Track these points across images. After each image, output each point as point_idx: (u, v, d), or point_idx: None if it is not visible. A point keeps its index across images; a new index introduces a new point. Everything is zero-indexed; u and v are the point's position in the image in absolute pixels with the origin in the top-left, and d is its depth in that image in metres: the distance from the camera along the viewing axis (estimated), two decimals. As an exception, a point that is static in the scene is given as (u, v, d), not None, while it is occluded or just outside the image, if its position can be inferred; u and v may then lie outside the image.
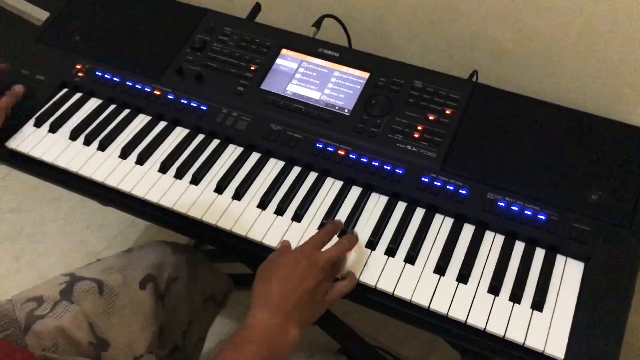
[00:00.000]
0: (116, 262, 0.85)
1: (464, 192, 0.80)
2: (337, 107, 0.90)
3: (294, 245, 0.77)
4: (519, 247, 0.77)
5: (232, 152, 0.89)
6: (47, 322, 0.73)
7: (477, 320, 0.70)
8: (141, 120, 0.94)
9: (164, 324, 0.86)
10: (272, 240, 0.78)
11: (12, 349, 0.63)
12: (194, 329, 0.94)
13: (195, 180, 0.85)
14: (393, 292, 0.73)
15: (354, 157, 0.85)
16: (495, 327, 0.70)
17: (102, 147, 0.90)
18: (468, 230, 0.79)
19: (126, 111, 0.95)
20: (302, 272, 0.69)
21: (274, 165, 0.87)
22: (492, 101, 0.87)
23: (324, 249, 0.73)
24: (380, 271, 0.75)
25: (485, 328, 0.70)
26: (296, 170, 0.86)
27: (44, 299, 0.75)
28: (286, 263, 0.70)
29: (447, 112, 0.87)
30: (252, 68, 0.95)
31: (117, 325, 0.79)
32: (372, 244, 0.78)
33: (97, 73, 0.98)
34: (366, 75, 0.92)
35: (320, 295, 0.70)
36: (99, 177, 0.86)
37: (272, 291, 0.68)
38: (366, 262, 0.76)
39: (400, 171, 0.83)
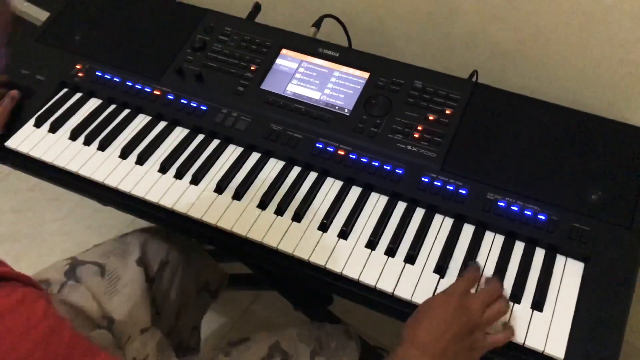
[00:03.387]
0: (113, 246, 0.89)
1: (464, 192, 0.80)
2: (337, 107, 0.90)
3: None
4: (519, 247, 0.77)
5: (232, 152, 0.89)
6: (58, 299, 0.76)
7: (477, 320, 0.70)
8: (141, 120, 0.94)
9: (158, 304, 0.89)
10: (271, 240, 0.78)
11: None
12: (186, 313, 0.97)
13: (195, 180, 0.85)
14: (393, 292, 0.73)
15: (354, 157, 0.85)
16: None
17: (102, 147, 0.90)
18: (468, 230, 0.79)
19: (126, 111, 0.95)
20: (452, 314, 0.65)
21: (274, 165, 0.87)
22: (492, 101, 0.87)
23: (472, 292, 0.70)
24: (380, 271, 0.75)
25: (485, 328, 0.70)
26: (296, 170, 0.86)
27: (51, 282, 0.79)
28: (437, 305, 0.67)
29: (447, 112, 0.87)
30: (252, 68, 0.95)
31: (120, 304, 0.82)
32: (372, 244, 0.78)
33: (97, 73, 0.98)
34: (366, 75, 0.92)
35: (470, 342, 0.66)
36: (99, 177, 0.86)
37: (421, 332, 0.65)
38: (366, 262, 0.76)
39: (400, 171, 0.83)
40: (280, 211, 0.81)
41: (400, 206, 0.82)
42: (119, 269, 0.85)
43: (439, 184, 0.81)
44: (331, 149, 0.86)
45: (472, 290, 0.71)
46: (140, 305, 0.84)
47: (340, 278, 0.76)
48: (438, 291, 0.73)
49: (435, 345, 0.64)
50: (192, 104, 0.93)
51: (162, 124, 0.93)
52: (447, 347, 0.64)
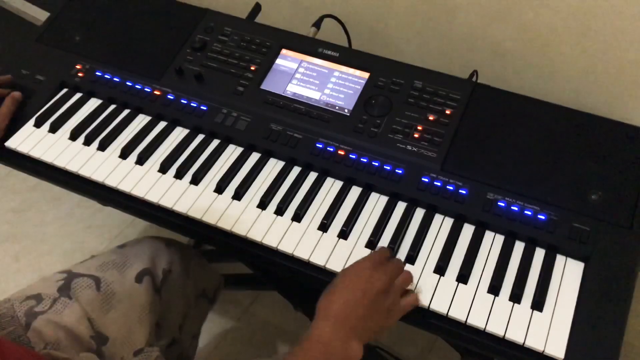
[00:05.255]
0: (111, 258, 0.86)
1: (464, 192, 0.80)
2: (337, 107, 0.90)
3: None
4: (519, 247, 0.77)
5: (232, 152, 0.89)
6: (48, 318, 0.74)
7: (477, 320, 0.70)
8: (141, 120, 0.94)
9: (161, 317, 0.87)
10: (271, 240, 0.78)
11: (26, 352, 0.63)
12: (188, 323, 0.95)
13: (195, 181, 0.85)
14: (393, 292, 0.73)
15: (354, 157, 0.85)
16: (495, 327, 0.70)
17: (102, 147, 0.90)
18: (468, 230, 0.79)
19: (126, 111, 0.95)
20: (365, 283, 0.67)
21: (274, 165, 0.87)
22: (492, 101, 0.87)
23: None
24: (380, 271, 0.75)
25: (485, 328, 0.70)
26: (296, 170, 0.86)
27: (43, 297, 0.76)
28: (349, 274, 0.69)
29: (447, 112, 0.87)
30: (252, 68, 0.95)
31: (114, 320, 0.79)
32: (372, 244, 0.78)
33: (97, 73, 0.98)
34: (366, 75, 0.92)
35: (386, 306, 0.68)
36: (99, 177, 0.86)
37: (335, 303, 0.66)
38: (366, 262, 0.76)
39: (400, 171, 0.83)
40: (280, 211, 0.81)
41: (400, 206, 0.82)
42: (115, 284, 0.82)
43: (439, 184, 0.81)
44: (331, 149, 0.86)
45: None
46: (136, 323, 0.81)
47: (340, 278, 0.76)
48: (438, 291, 0.73)
49: (348, 316, 0.65)
50: (192, 104, 0.93)
51: (162, 124, 0.93)
52: (361, 315, 0.65)
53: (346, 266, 0.74)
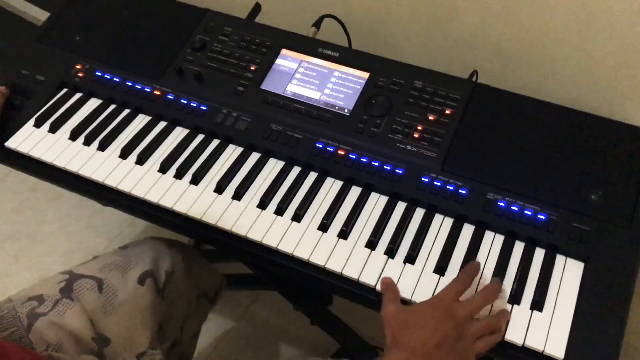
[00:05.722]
0: (114, 260, 0.85)
1: (464, 192, 0.80)
2: (337, 107, 0.90)
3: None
4: (518, 247, 0.77)
5: (232, 152, 0.89)
6: (50, 319, 0.73)
7: (477, 320, 0.70)
8: (141, 120, 0.94)
9: (164, 318, 0.87)
10: (271, 240, 0.78)
11: (22, 351, 0.63)
12: (189, 324, 0.95)
13: (195, 180, 0.85)
14: (393, 292, 0.73)
15: (353, 157, 0.85)
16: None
17: (102, 147, 0.90)
18: (468, 230, 0.79)
19: (126, 111, 0.95)
20: (437, 322, 0.66)
21: (274, 165, 0.87)
22: (492, 101, 0.87)
23: (462, 298, 0.70)
24: (380, 271, 0.75)
25: (485, 328, 0.70)
26: (296, 170, 0.86)
27: (45, 298, 0.76)
28: (420, 311, 0.68)
29: (447, 112, 0.87)
30: (252, 68, 0.95)
31: (116, 321, 0.79)
32: (372, 244, 0.78)
33: (97, 73, 0.98)
34: (366, 75, 0.92)
35: (459, 349, 0.66)
36: (99, 177, 0.86)
37: (407, 334, 0.66)
38: (366, 262, 0.76)
39: (400, 171, 0.83)
40: (280, 211, 0.81)
41: (400, 206, 0.82)
42: (117, 285, 0.81)
43: (438, 184, 0.81)
44: (331, 149, 0.86)
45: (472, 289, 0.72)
46: (138, 326, 0.81)
47: (340, 278, 0.76)
48: (437, 289, 0.73)
49: (422, 348, 0.64)
50: (192, 104, 0.93)
51: (162, 124, 0.93)
52: (434, 351, 0.64)
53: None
